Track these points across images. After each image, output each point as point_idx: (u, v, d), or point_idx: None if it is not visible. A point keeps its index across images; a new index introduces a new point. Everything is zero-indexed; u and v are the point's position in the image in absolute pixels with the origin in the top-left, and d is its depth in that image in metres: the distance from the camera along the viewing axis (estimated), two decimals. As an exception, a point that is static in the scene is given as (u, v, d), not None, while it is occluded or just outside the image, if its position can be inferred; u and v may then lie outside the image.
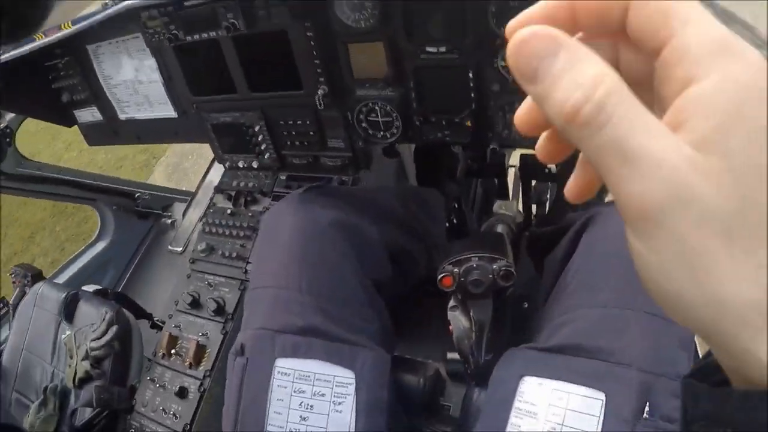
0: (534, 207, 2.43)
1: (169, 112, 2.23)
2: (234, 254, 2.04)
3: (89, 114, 2.46)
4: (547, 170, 2.28)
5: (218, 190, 2.26)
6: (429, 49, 1.64)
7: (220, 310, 1.93)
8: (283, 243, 1.38)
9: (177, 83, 2.11)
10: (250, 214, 2.13)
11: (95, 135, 2.57)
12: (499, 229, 1.94)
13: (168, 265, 2.69)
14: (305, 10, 1.69)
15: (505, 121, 1.70)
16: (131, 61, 2.16)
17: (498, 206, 2.01)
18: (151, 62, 2.11)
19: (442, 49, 1.62)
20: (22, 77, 2.27)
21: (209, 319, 1.95)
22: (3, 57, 2.11)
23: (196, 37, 1.86)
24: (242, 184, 2.22)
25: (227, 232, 2.11)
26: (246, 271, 1.98)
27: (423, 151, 2.35)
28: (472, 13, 1.53)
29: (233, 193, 2.20)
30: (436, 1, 1.56)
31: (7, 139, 2.52)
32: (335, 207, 1.46)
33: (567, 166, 2.02)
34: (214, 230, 2.14)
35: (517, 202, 2.43)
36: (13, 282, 2.65)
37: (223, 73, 1.97)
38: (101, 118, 2.45)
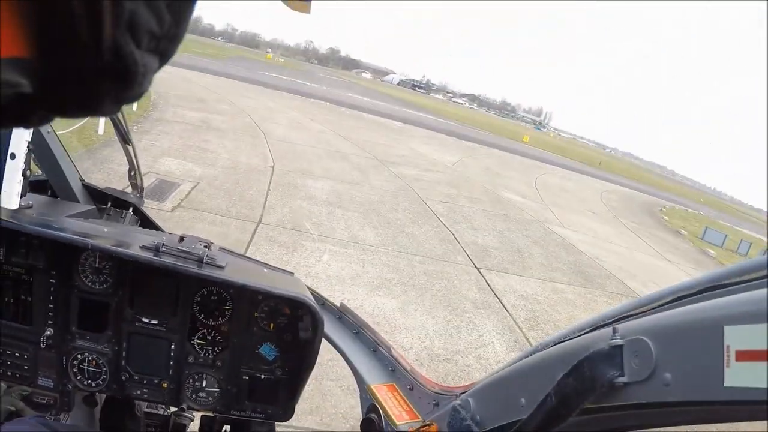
0: None
1: None
2: None
3: None
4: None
5: None
6: (144, 319, 2.04)
7: None
8: None
9: None
10: None
11: None
12: None
13: None
14: (56, 261, 1.97)
15: (194, 387, 2.10)
16: None
17: None
18: None
19: (154, 321, 2.05)
20: None
21: None
22: None
23: None
24: None
25: None
26: None
27: (110, 407, 2.47)
28: (179, 299, 2.03)
29: None
30: (156, 286, 2.02)
31: None
32: None
33: (241, 428, 2.44)
34: None
35: None
36: None
37: None
38: None
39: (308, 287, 2.18)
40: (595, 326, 1.04)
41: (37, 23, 0.39)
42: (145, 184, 9.41)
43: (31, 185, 2.63)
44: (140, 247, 1.89)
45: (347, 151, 20.69)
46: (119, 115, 2.31)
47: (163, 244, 1.90)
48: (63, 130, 11.65)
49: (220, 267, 1.92)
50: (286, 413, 2.12)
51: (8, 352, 2.07)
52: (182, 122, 19.18)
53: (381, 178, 17.50)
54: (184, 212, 10.41)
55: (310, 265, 8.89)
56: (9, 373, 2.10)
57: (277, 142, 19.22)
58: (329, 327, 2.22)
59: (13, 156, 1.72)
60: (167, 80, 28.43)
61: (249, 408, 2.11)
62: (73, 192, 2.49)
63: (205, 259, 1.91)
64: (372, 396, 1.91)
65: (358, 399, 2.02)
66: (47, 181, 2.55)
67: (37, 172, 2.62)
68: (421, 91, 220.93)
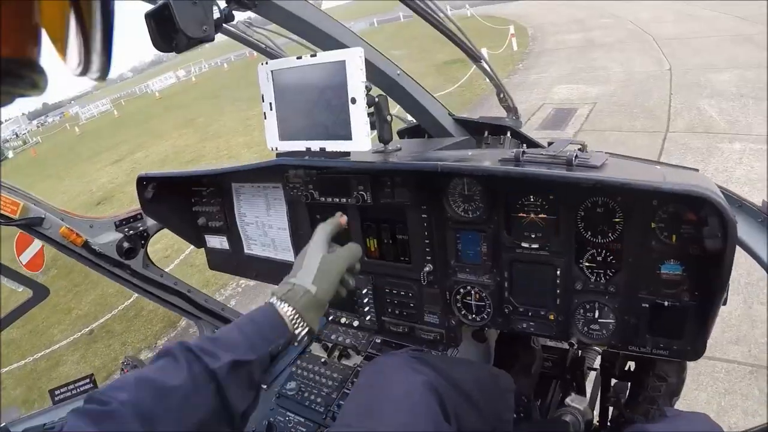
0: (611, 409, 2.44)
1: (290, 257, 2.46)
2: (319, 400, 2.16)
3: (218, 241, 2.76)
4: (627, 368, 2.34)
5: (316, 338, 2.42)
6: (524, 244, 1.84)
7: None
8: (381, 396, 1.54)
9: (303, 235, 2.35)
10: (341, 367, 2.26)
11: (218, 261, 2.85)
12: (567, 418, 2.00)
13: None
14: (423, 195, 1.94)
15: (585, 319, 1.81)
16: (266, 206, 2.46)
17: (570, 399, 2.06)
18: (283, 211, 2.39)
19: (535, 245, 1.82)
20: (169, 194, 2.63)
21: None
22: (157, 173, 2.44)
23: (329, 199, 2.14)
24: (340, 338, 2.37)
25: (317, 379, 2.24)
26: (326, 417, 2.08)
27: (505, 342, 2.45)
28: (560, 217, 1.75)
29: (330, 345, 2.35)
30: (532, 204, 1.80)
31: (143, 241, 2.84)
32: (425, 373, 1.60)
33: (645, 366, 2.05)
34: (305, 374, 2.28)
35: (594, 403, 2.45)
36: (122, 370, 2.83)
37: (344, 235, 2.17)
38: (228, 248, 2.73)
39: (723, 187, 1.67)
40: None
41: None
42: (542, 116, 9.62)
43: (409, 131, 2.75)
44: (500, 160, 1.72)
45: (752, 33, 16.90)
46: (467, 41, 2.15)
47: (524, 152, 1.68)
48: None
49: (594, 167, 1.58)
50: (696, 350, 1.66)
51: (394, 291, 2.19)
52: (564, 47, 18.87)
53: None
54: (586, 135, 10.23)
55: (729, 169, 7.64)
56: (397, 312, 2.22)
57: (668, 41, 17.01)
58: (751, 234, 1.72)
59: (354, 100, 1.74)
60: (538, 14, 28.13)
61: (650, 343, 1.72)
62: (443, 128, 2.48)
63: (576, 161, 1.60)
64: None
65: None
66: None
67: (407, 118, 2.70)
68: None
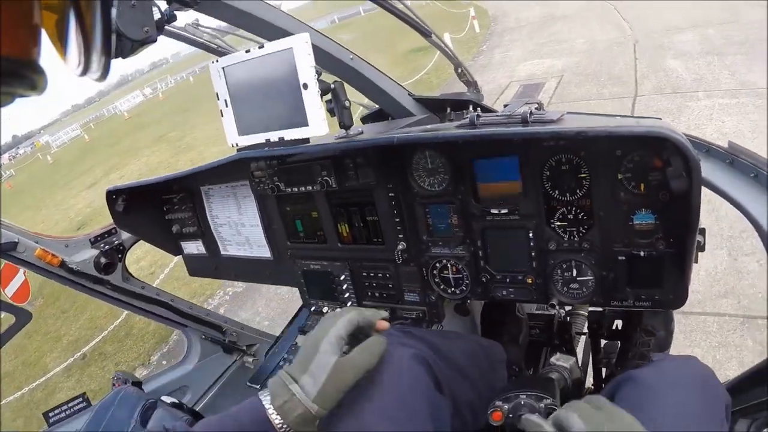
0: (603, 370, 2.46)
1: (265, 254, 2.47)
2: None
3: (194, 247, 2.75)
4: (614, 327, 2.36)
5: (301, 332, 2.42)
6: (493, 210, 1.85)
7: None
8: (369, 373, 1.46)
9: (275, 229, 2.36)
10: None
11: (197, 266, 2.85)
12: (553, 375, 2.02)
13: (244, 399, 2.78)
14: (388, 173, 1.95)
15: (564, 279, 1.82)
16: (237, 205, 2.46)
17: (556, 358, 2.10)
18: (254, 208, 2.39)
19: (504, 211, 1.83)
20: (141, 205, 2.61)
21: None
22: (125, 185, 2.44)
23: (295, 189, 2.15)
24: None
25: None
26: None
27: (490, 314, 2.46)
28: (525, 179, 1.76)
29: None
30: (495, 169, 1.80)
31: (119, 255, 2.82)
32: (413, 346, 1.60)
33: (632, 322, 2.07)
34: None
35: (587, 367, 2.48)
36: (114, 384, 2.82)
37: (316, 224, 2.22)
38: (204, 252, 2.72)
39: (689, 134, 1.68)
40: None
41: None
42: (511, 94, 9.65)
43: (372, 117, 2.76)
44: (455, 126, 1.74)
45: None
46: (414, 15, 2.16)
47: (479, 116, 1.69)
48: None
49: (551, 121, 1.58)
50: (677, 298, 1.66)
51: (371, 274, 2.19)
52: (526, 24, 19.00)
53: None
54: (555, 108, 10.11)
55: (700, 125, 7.76)
56: (377, 294, 2.22)
57: (627, 8, 17.17)
58: (719, 176, 1.74)
59: (305, 86, 1.74)
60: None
61: (631, 296, 1.73)
62: (405, 108, 2.49)
63: (531, 118, 1.60)
64: None
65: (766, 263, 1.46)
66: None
67: (373, 105, 2.70)
68: None
